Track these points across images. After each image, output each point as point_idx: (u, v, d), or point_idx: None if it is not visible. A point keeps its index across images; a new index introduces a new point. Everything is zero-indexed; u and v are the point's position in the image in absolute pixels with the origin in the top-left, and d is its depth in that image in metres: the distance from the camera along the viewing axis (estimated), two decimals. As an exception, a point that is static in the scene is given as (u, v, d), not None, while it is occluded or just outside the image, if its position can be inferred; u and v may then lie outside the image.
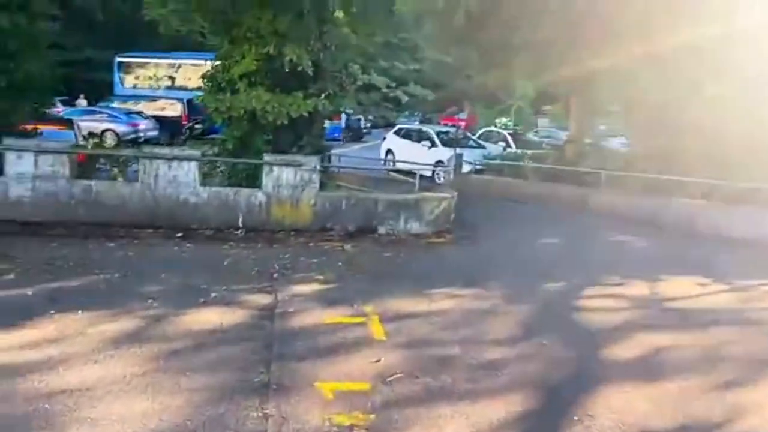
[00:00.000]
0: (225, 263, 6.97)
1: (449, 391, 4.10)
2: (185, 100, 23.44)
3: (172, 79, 30.21)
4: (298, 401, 3.80)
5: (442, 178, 16.57)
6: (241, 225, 8.55)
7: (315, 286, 6.31)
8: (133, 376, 4.02)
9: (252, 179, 9.43)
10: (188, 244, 7.69)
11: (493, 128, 24.97)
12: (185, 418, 3.52)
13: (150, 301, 5.50)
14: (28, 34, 9.07)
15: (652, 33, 12.99)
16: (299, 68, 9.48)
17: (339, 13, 11.45)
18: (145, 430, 3.38)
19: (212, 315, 5.24)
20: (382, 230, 9.07)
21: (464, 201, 11.32)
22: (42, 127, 11.40)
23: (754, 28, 11.18)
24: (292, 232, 8.58)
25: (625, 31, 13.15)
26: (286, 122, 9.48)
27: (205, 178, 10.28)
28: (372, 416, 3.67)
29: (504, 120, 32.76)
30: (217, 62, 10.35)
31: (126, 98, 28.22)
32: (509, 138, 20.91)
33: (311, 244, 8.19)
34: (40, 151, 8.02)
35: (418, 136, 19.50)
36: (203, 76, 10.62)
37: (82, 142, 14.66)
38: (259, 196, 8.65)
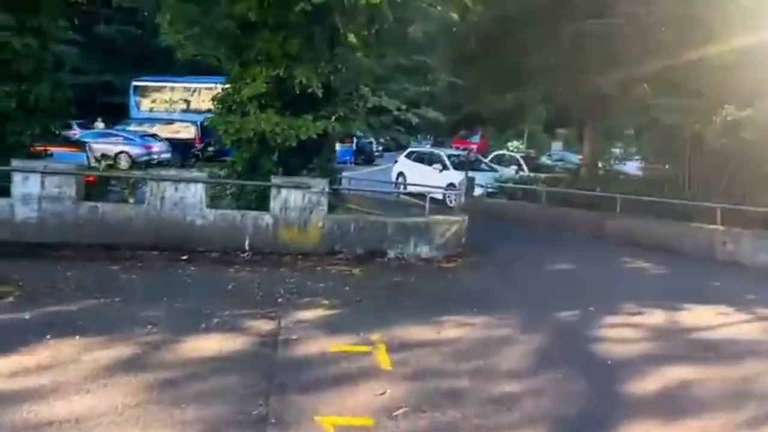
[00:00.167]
0: (229, 287, 6.80)
1: (458, 427, 3.86)
2: (199, 123, 23.68)
3: (187, 102, 30.66)
4: (297, 437, 3.58)
5: (453, 201, 16.37)
6: (247, 248, 8.40)
7: (320, 312, 6.11)
8: (126, 407, 3.83)
9: (261, 201, 9.33)
10: (193, 267, 7.54)
11: (505, 151, 24.84)
12: (176, 455, 3.32)
13: (149, 326, 5.33)
14: (39, 58, 9.12)
15: (667, 57, 12.85)
16: (309, 90, 9.42)
17: (351, 36, 11.46)
18: (132, 467, 3.18)
19: (212, 342, 5.05)
20: (391, 254, 8.87)
21: (476, 224, 11.10)
22: (53, 149, 11.44)
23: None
24: (300, 256, 8.41)
25: (640, 55, 13.02)
26: (295, 144, 9.38)
27: (215, 200, 10.22)
28: (375, 455, 3.44)
29: (516, 143, 32.70)
30: (228, 85, 10.34)
31: (142, 121, 28.66)
32: (522, 161, 20.73)
33: (318, 268, 8.00)
34: (46, 173, 7.97)
35: (430, 159, 19.40)
36: (213, 99, 10.61)
37: (94, 164, 14.75)
38: (267, 219, 8.52)
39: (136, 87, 31.30)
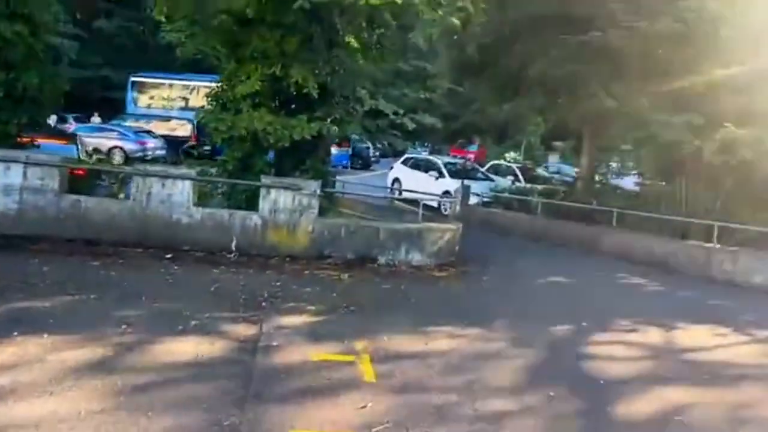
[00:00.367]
0: (212, 288, 6.56)
1: (442, 447, 3.65)
2: (195, 121, 23.46)
3: (185, 100, 30.43)
4: (270, 452, 3.35)
5: (448, 209, 16.19)
6: (234, 248, 8.17)
7: (305, 318, 5.88)
8: (89, 413, 3.59)
9: (252, 201, 9.10)
10: (176, 266, 7.29)
11: (502, 162, 24.70)
12: (137, 468, 3.08)
13: (124, 326, 5.08)
14: (29, 46, 8.88)
15: (667, 73, 12.76)
16: (305, 91, 9.23)
17: (350, 38, 11.29)
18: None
19: (188, 345, 4.81)
20: (382, 260, 8.65)
21: (469, 233, 10.91)
22: (41, 141, 11.19)
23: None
24: (288, 259, 8.18)
25: (640, 69, 12.93)
26: (288, 145, 9.18)
27: (205, 199, 9.99)
28: (352, 475, 3.21)
29: (514, 154, 32.61)
30: (222, 82, 10.13)
31: (138, 117, 28.41)
32: (518, 172, 20.57)
33: (306, 272, 7.77)
34: (29, 163, 7.73)
35: (426, 166, 19.22)
36: (207, 95, 10.40)
37: (84, 158, 14.48)
38: (255, 219, 8.29)
39: (133, 83, 31.01)
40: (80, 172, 10.39)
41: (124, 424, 3.51)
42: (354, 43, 11.42)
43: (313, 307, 6.24)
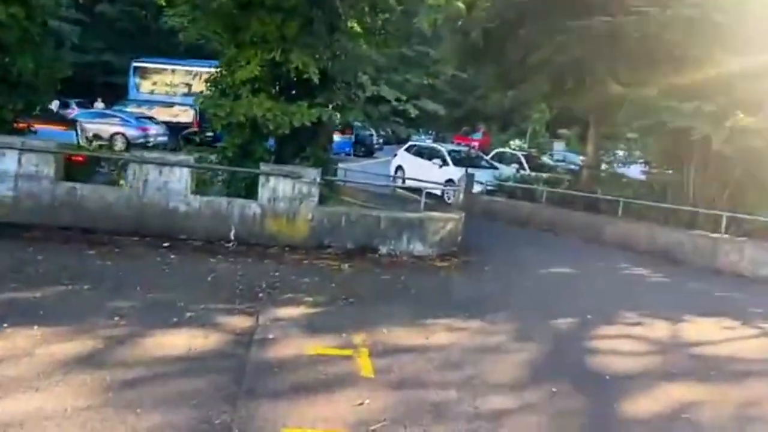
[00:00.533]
0: (209, 278, 6.44)
1: (440, 447, 3.52)
2: (197, 107, 23.28)
3: (188, 86, 30.23)
4: (261, 452, 3.24)
5: (451, 198, 16.01)
6: (232, 237, 8.04)
7: (302, 310, 5.75)
8: (75, 409, 3.48)
9: (252, 189, 8.95)
10: (173, 256, 7.17)
11: (507, 149, 24.43)
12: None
13: (116, 318, 4.97)
14: (24, 29, 8.69)
15: (677, 59, 12.48)
16: (305, 76, 9.03)
17: (353, 23, 11.06)
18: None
19: (182, 338, 4.69)
20: (383, 250, 8.51)
21: (473, 222, 10.76)
22: (39, 126, 11.03)
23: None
24: (287, 248, 8.05)
25: (649, 55, 12.65)
26: (288, 132, 9.00)
27: (205, 186, 9.85)
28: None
29: (518, 142, 32.29)
30: (222, 67, 9.95)
31: (141, 103, 28.25)
32: (523, 160, 20.33)
33: (305, 262, 7.65)
34: (24, 149, 7.58)
35: (430, 154, 19.02)
36: (207, 81, 10.22)
37: (84, 144, 14.34)
38: (254, 208, 8.14)
39: (135, 68, 30.81)
40: (79, 158, 10.25)
41: (111, 422, 3.39)
42: (356, 28, 11.21)
43: (311, 299, 6.11)
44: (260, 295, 6.06)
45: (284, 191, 8.13)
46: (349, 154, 28.30)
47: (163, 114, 26.10)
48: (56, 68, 9.99)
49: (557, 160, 24.11)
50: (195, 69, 29.40)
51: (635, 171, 17.66)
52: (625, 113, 13.88)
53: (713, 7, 11.28)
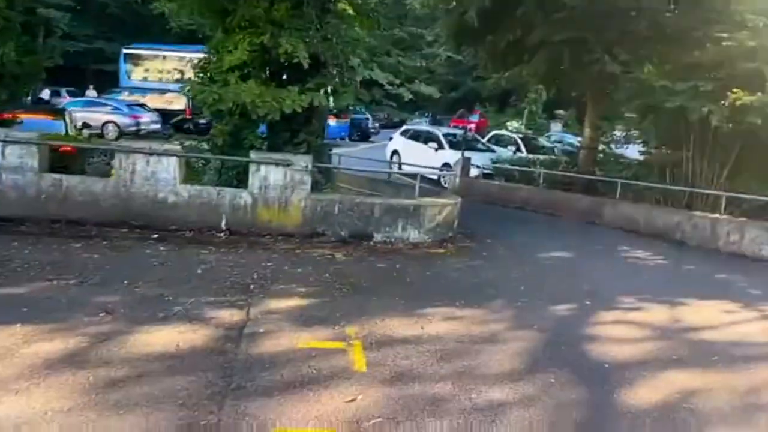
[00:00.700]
0: (199, 270, 6.29)
1: (435, 444, 3.41)
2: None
3: (181, 72, 29.82)
4: (249, 454, 3.12)
5: (448, 182, 15.85)
6: (224, 227, 7.89)
7: (295, 302, 5.62)
8: (56, 412, 3.35)
9: (244, 177, 8.78)
10: (162, 247, 7.02)
11: (503, 131, 24.19)
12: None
13: (102, 314, 4.83)
14: (5, 18, 8.45)
15: (675, 37, 12.25)
16: (294, 60, 8.80)
17: (344, 5, 10.78)
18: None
19: (170, 334, 4.56)
20: (378, 237, 8.38)
21: (469, 207, 10.63)
22: (26, 116, 10.82)
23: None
24: (280, 237, 7.90)
25: (647, 34, 12.41)
26: (278, 118, 8.79)
27: (197, 176, 9.68)
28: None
29: (515, 123, 32.02)
30: (210, 53, 9.70)
31: (133, 90, 27.89)
32: (520, 142, 20.12)
33: (299, 251, 7.50)
34: (7, 141, 7.38)
35: (426, 138, 18.80)
36: (194, 67, 9.98)
37: (73, 133, 14.10)
38: (245, 197, 7.98)
39: (126, 55, 30.42)
40: (68, 149, 10.05)
41: (93, 425, 3.27)
42: (348, 10, 10.93)
43: (304, 289, 5.98)
44: (252, 286, 5.92)
45: (275, 179, 7.96)
46: (344, 139, 28.04)
47: (155, 101, 25.78)
48: (43, 57, 9.77)
49: (554, 142, 23.87)
50: (188, 55, 28.93)
51: (633, 151, 17.45)
52: (623, 93, 13.69)
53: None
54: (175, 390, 3.73)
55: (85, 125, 16.47)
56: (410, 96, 9.70)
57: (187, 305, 5.18)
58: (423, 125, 27.45)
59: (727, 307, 6.79)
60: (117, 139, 20.38)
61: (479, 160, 16.25)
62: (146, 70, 30.47)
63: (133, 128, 22.41)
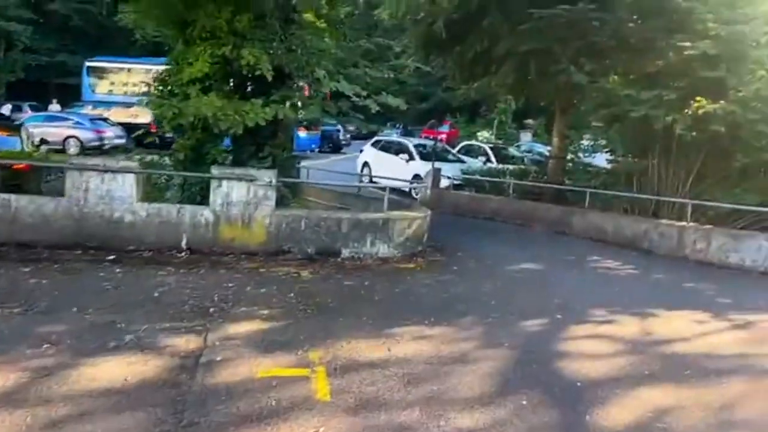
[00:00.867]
0: (155, 294, 5.98)
1: (401, 480, 3.20)
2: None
3: (148, 85, 29.18)
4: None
5: (418, 194, 15.75)
6: (184, 246, 7.57)
7: (256, 325, 5.36)
8: (-16, 462, 3.05)
9: (208, 193, 8.48)
10: (118, 270, 6.68)
11: (474, 142, 24.28)
12: None
13: (46, 346, 4.50)
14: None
15: (638, 47, 12.42)
16: (257, 72, 8.58)
17: (310, 16, 10.63)
18: None
19: (118, 366, 4.26)
20: (346, 253, 8.16)
21: (440, 219, 10.53)
22: (-23, 133, 10.33)
23: (744, 47, 10.63)
24: (243, 256, 7.62)
25: (611, 44, 12.55)
26: (241, 131, 8.54)
27: (159, 193, 9.35)
28: None
29: (486, 133, 32.25)
30: (170, 65, 9.42)
31: (97, 104, 27.25)
32: (490, 152, 20.18)
33: (263, 270, 7.24)
34: (-51, 160, 6.97)
35: (396, 149, 18.71)
36: (154, 80, 9.67)
37: (30, 149, 13.58)
38: (206, 214, 7.69)
39: (89, 68, 29.72)
40: (22, 167, 9.62)
41: (24, 475, 2.98)
42: (314, 21, 10.78)
43: (266, 312, 5.72)
44: (211, 310, 5.64)
45: (238, 195, 7.69)
46: (314, 151, 27.82)
47: (120, 115, 25.23)
48: (4, 71, 9.33)
49: (524, 151, 24.05)
50: (153, 67, 28.39)
51: (601, 160, 17.65)
52: (589, 102, 13.82)
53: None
54: (120, 430, 3.45)
55: (43, 141, 15.94)
56: (377, 108, 9.59)
57: (140, 333, 4.88)
58: (394, 136, 27.42)
59: (697, 317, 6.77)
60: (79, 154, 19.76)
61: (450, 170, 16.20)
62: (111, 84, 29.81)
63: (96, 143, 21.82)
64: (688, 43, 10.63)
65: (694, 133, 11.04)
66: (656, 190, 11.95)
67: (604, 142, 16.19)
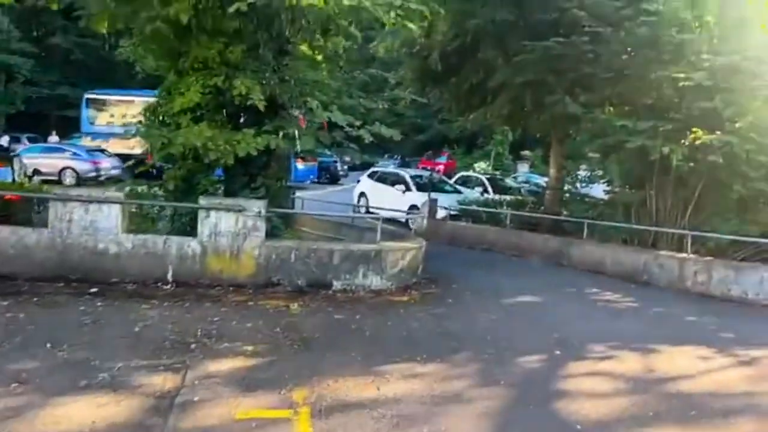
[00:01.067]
0: (136, 329, 5.74)
1: None
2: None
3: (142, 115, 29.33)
4: None
5: (415, 224, 15.58)
6: (170, 279, 7.35)
7: (239, 362, 5.10)
8: None
9: (197, 225, 8.31)
10: (99, 303, 6.44)
11: (471, 173, 24.25)
12: None
13: (15, 385, 4.26)
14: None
15: (633, 78, 12.43)
16: (249, 103, 8.50)
17: (304, 47, 10.64)
18: None
19: (87, 407, 4.00)
20: (337, 286, 7.94)
21: (436, 250, 10.32)
22: (-34, 163, 10.21)
23: (739, 78, 10.64)
24: (231, 288, 7.40)
25: (606, 76, 12.57)
26: (231, 161, 8.41)
27: (149, 224, 9.20)
28: None
29: (483, 164, 32.29)
30: (161, 95, 9.37)
31: (95, 135, 27.38)
32: (487, 183, 20.10)
33: (251, 303, 7.00)
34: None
35: (393, 180, 18.64)
36: (145, 110, 9.61)
37: (22, 180, 13.48)
38: (193, 246, 7.49)
39: (88, 100, 29.92)
40: (12, 197, 9.48)
41: None
42: (308, 52, 10.78)
43: (250, 348, 5.47)
44: (193, 345, 5.39)
45: (227, 226, 7.51)
46: (313, 182, 27.81)
47: (118, 146, 25.26)
48: (4, 103, 9.29)
49: (521, 182, 23.99)
50: (152, 99, 28.56)
51: (598, 190, 17.57)
52: (584, 133, 13.79)
53: (663, 25, 11.29)
54: (82, 480, 3.18)
55: (36, 172, 15.83)
56: (371, 138, 9.57)
57: (115, 371, 4.63)
58: (390, 167, 27.43)
59: (701, 352, 6.50)
60: (75, 185, 19.67)
61: (446, 201, 16.08)
62: (110, 116, 29.99)
63: (93, 174, 21.76)
64: (682, 75, 10.63)
65: (691, 164, 10.94)
66: (655, 220, 11.79)
67: (600, 172, 16.08)
